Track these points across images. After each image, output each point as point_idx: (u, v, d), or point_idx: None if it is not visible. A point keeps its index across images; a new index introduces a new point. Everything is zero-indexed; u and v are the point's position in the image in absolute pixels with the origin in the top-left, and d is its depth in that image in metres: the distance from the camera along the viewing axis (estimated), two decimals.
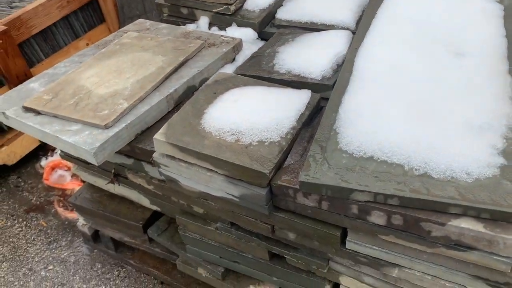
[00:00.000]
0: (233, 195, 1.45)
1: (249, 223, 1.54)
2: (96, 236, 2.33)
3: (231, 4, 2.20)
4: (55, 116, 1.63)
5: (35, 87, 1.83)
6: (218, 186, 1.45)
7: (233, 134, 1.45)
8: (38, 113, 1.66)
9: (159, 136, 1.48)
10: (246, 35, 2.15)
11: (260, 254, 1.65)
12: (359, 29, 1.81)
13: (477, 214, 1.09)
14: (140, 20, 2.32)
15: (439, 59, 1.49)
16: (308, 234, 1.41)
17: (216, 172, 1.42)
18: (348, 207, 1.24)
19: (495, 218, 1.07)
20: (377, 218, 1.21)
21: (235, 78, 1.74)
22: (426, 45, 1.56)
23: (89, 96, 1.69)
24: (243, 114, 1.49)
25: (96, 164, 1.53)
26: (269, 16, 2.22)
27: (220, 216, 1.62)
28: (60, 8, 2.93)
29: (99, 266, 2.35)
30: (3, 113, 1.71)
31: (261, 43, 2.11)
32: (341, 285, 1.53)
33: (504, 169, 1.14)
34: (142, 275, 2.27)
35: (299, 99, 1.55)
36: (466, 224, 1.09)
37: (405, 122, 1.30)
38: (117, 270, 2.31)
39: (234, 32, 2.18)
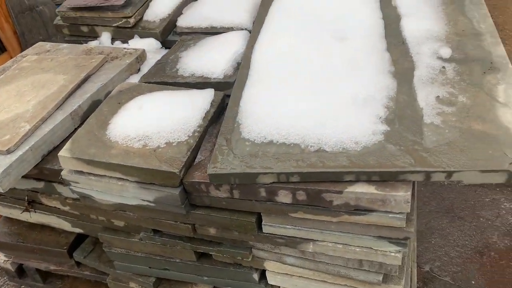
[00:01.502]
0: (148, 201, 1.46)
1: (170, 227, 1.55)
2: (21, 271, 2.22)
3: (130, 17, 2.21)
4: None
5: None
6: (132, 194, 1.45)
7: (140, 140, 1.46)
8: None
9: (63, 152, 1.46)
10: (149, 45, 2.17)
11: (187, 256, 1.66)
12: (254, 27, 1.89)
13: (368, 178, 1.18)
14: (40, 43, 2.26)
15: (326, 44, 1.60)
16: (227, 226, 1.45)
17: (127, 180, 1.42)
18: (257, 192, 1.29)
19: (384, 179, 1.18)
20: (284, 197, 1.27)
21: (140, 86, 1.75)
22: (314, 34, 1.67)
23: None
24: (149, 119, 1.51)
25: (2, 191, 1.47)
26: (170, 24, 2.25)
27: (141, 225, 1.61)
28: None
29: None
30: None
31: (165, 51, 2.13)
32: (267, 271, 1.58)
33: (387, 134, 1.25)
34: None
35: (204, 99, 1.59)
36: (360, 188, 1.18)
37: (298, 105, 1.38)
38: None
39: (137, 43, 2.19)
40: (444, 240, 2.22)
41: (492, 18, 3.88)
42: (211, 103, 1.59)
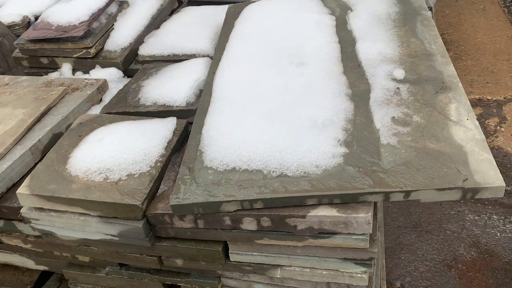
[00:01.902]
0: (112, 235, 1.42)
1: (136, 260, 1.52)
2: None
3: (91, 47, 2.19)
4: None
5: None
6: (95, 229, 1.42)
7: (101, 173, 1.43)
8: None
9: (22, 189, 1.42)
10: (110, 74, 2.16)
11: None
12: (215, 53, 1.91)
13: (330, 200, 1.20)
14: None
15: (285, 70, 1.63)
16: (194, 256, 1.43)
17: (89, 214, 1.39)
18: (221, 220, 1.29)
19: (345, 201, 1.19)
20: (249, 224, 1.27)
21: (100, 117, 1.73)
22: (273, 60, 1.69)
23: None
24: (110, 151, 1.48)
25: None
26: (132, 53, 2.25)
27: (106, 259, 1.57)
28: None
29: None
30: None
31: (127, 81, 2.12)
32: None
33: (346, 156, 1.27)
34: None
35: (166, 128, 1.58)
36: (323, 212, 1.19)
37: (260, 131, 1.39)
38: None
39: (99, 73, 2.18)
40: (413, 255, 2.25)
41: (447, 35, 4.04)
42: (173, 132, 1.58)
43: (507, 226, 2.35)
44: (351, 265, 1.29)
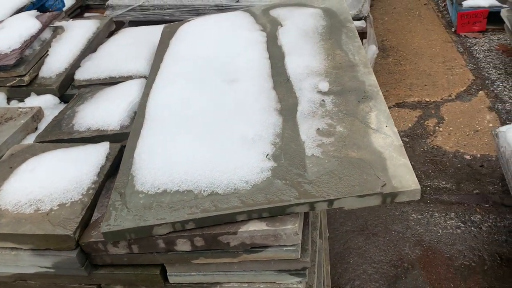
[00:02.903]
0: (46, 267, 1.39)
1: None
2: None
3: (24, 75, 2.15)
4: None
5: None
6: (28, 263, 1.39)
7: (31, 204, 1.40)
8: None
9: None
10: (46, 101, 2.11)
11: None
12: (150, 74, 1.91)
13: (259, 215, 1.22)
14: None
15: (217, 88, 1.65)
16: (133, 282, 1.41)
17: (21, 248, 1.36)
18: (155, 244, 1.28)
19: (273, 214, 1.22)
20: (183, 245, 1.27)
21: (33, 147, 1.69)
22: (206, 79, 1.72)
23: None
24: (41, 182, 1.46)
25: None
26: (68, 78, 2.21)
27: None
28: None
29: None
30: None
31: (63, 107, 2.09)
32: None
33: (274, 170, 1.30)
34: None
35: (98, 153, 1.57)
36: (253, 226, 1.22)
37: (192, 151, 1.40)
38: None
39: (34, 101, 2.13)
40: (361, 258, 2.32)
41: (387, 41, 4.21)
42: (106, 157, 1.57)
43: (448, 222, 2.46)
44: (287, 276, 1.32)
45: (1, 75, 2.16)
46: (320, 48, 1.78)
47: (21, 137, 1.90)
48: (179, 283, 1.40)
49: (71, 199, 1.41)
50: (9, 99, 2.24)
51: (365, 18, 3.14)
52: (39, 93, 2.18)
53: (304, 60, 1.70)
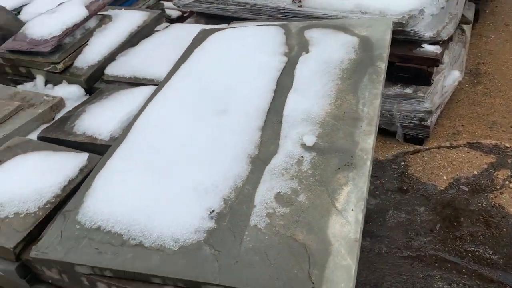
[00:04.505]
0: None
1: None
2: None
3: (58, 63, 2.21)
4: None
5: None
6: None
7: None
8: None
9: None
10: (71, 92, 2.16)
11: None
12: (160, 84, 1.84)
13: (174, 283, 1.10)
14: None
15: (202, 119, 1.52)
16: None
17: None
18: (79, 279, 1.23)
19: (188, 286, 1.09)
20: None
21: (28, 143, 1.73)
22: (199, 104, 1.60)
23: None
24: (8, 185, 1.47)
25: None
26: (99, 71, 2.24)
27: None
28: None
29: None
30: None
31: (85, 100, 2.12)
32: None
33: (210, 233, 1.16)
34: None
35: (73, 164, 1.55)
36: None
37: (143, 190, 1.31)
38: None
39: (63, 90, 2.19)
40: None
41: (483, 65, 3.65)
42: (80, 169, 1.54)
43: None
44: None
45: (39, 60, 2.25)
46: (332, 88, 1.54)
47: (35, 126, 1.96)
48: None
49: (27, 210, 1.41)
50: (47, 82, 2.34)
51: (443, 42, 2.74)
52: (70, 82, 2.23)
53: (306, 102, 1.49)
